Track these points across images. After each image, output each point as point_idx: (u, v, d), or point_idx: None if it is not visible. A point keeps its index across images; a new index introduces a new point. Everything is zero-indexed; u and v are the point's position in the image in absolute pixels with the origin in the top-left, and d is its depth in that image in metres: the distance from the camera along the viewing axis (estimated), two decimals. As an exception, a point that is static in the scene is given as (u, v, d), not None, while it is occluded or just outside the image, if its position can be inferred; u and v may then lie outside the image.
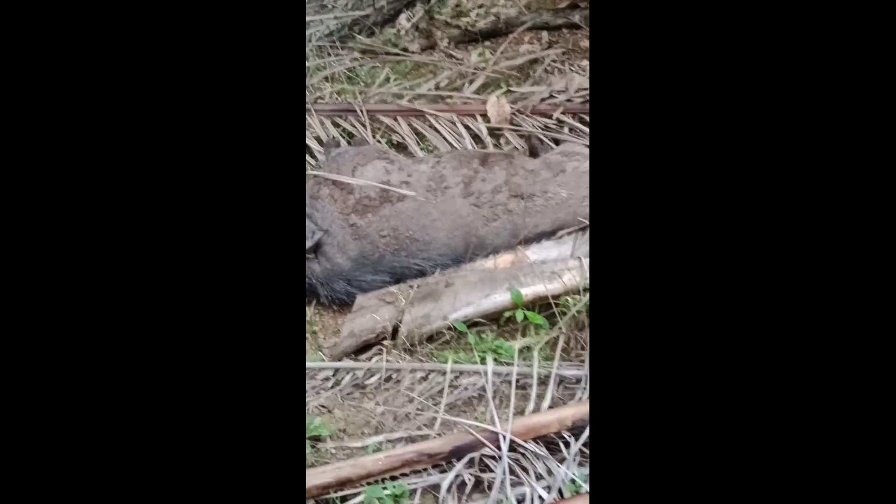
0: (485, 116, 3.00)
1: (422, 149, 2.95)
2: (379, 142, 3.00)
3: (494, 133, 2.96)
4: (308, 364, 2.11)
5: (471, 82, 3.21)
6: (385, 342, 2.17)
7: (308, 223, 2.32)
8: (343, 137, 3.00)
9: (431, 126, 3.03)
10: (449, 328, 2.16)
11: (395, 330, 2.16)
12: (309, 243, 2.27)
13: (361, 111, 3.05)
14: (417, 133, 3.01)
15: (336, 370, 2.12)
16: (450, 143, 2.95)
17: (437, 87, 3.22)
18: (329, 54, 3.44)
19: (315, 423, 1.96)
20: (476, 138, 2.97)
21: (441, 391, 2.03)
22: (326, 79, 3.28)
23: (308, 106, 3.09)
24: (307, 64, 3.32)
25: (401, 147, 2.99)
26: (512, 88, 3.18)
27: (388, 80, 3.31)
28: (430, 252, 2.30)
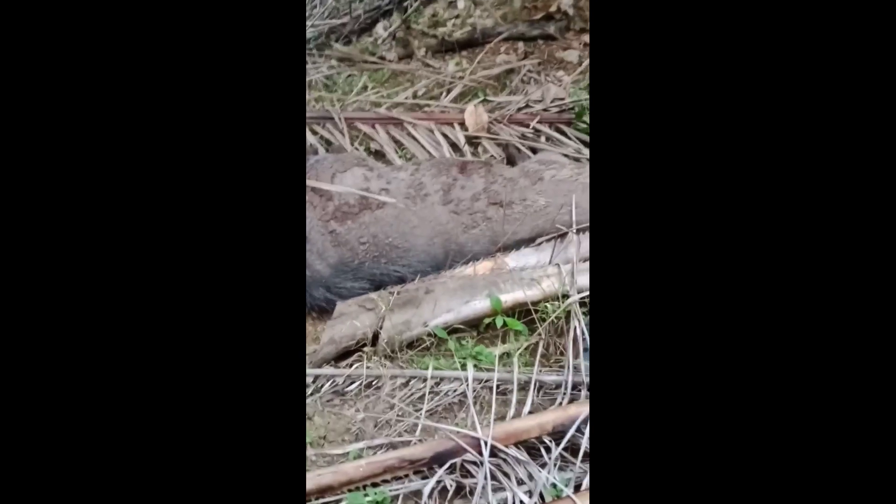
0: (463, 125, 3.03)
1: (400, 157, 2.96)
2: (357, 149, 3.01)
3: (472, 141, 2.99)
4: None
5: (448, 91, 3.24)
6: (365, 349, 2.16)
7: (287, 230, 2.31)
8: (321, 145, 3.01)
9: (409, 134, 3.05)
10: (429, 335, 2.16)
11: (376, 336, 2.16)
12: (288, 250, 2.26)
13: (339, 119, 3.06)
14: (396, 141, 3.03)
15: (316, 377, 2.11)
16: (428, 151, 2.97)
17: (415, 96, 3.24)
18: (306, 62, 3.44)
19: (295, 430, 1.95)
20: (454, 146, 2.99)
21: (422, 397, 2.04)
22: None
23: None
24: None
25: (379, 155, 3.00)
26: (489, 98, 3.21)
27: (365, 88, 3.32)
28: (409, 259, 2.31)
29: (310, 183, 2.40)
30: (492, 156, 2.92)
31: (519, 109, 3.11)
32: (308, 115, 3.11)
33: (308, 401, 2.06)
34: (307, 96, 3.22)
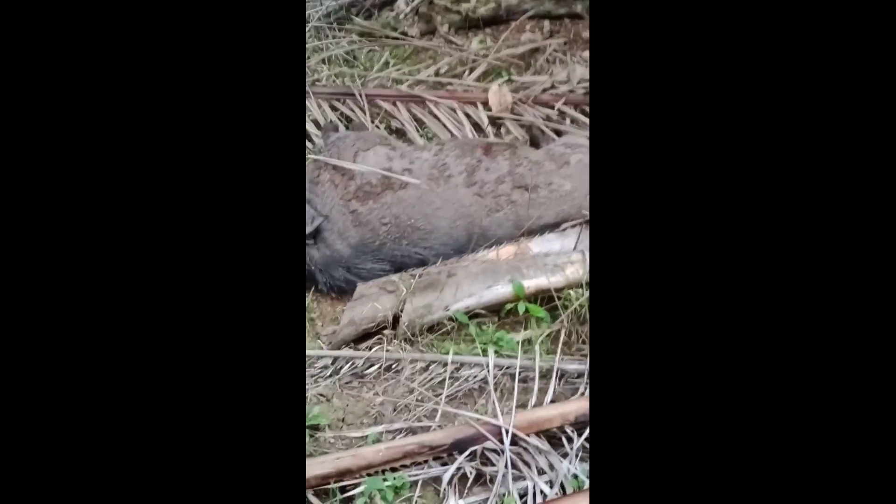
0: (486, 105, 2.97)
1: (421, 136, 2.91)
2: (378, 127, 2.96)
3: (495, 122, 2.93)
4: (307, 352, 2.08)
5: (472, 70, 3.18)
6: (385, 331, 2.14)
7: (308, 208, 2.28)
8: (341, 122, 2.96)
9: (431, 113, 2.99)
10: (450, 319, 2.13)
11: (396, 319, 2.13)
12: (309, 229, 2.23)
13: (360, 95, 3.01)
14: (417, 119, 2.98)
15: (335, 359, 2.09)
16: (450, 131, 2.92)
17: (438, 74, 3.18)
18: (327, 36, 3.38)
19: (314, 412, 1.93)
20: (476, 127, 2.94)
21: (442, 382, 2.01)
22: (324, 61, 3.23)
23: (305, 89, 3.03)
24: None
25: (399, 133, 2.95)
26: (513, 77, 3.15)
27: (387, 64, 3.26)
28: (431, 241, 2.27)
29: (331, 161, 2.36)
30: (515, 137, 2.86)
31: (544, 90, 3.05)
32: (328, 90, 3.06)
33: (327, 382, 2.04)
34: (327, 71, 3.16)
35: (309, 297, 2.30)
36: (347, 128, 2.89)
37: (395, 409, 1.98)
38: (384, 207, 2.28)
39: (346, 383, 2.05)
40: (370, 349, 2.13)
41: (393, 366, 2.07)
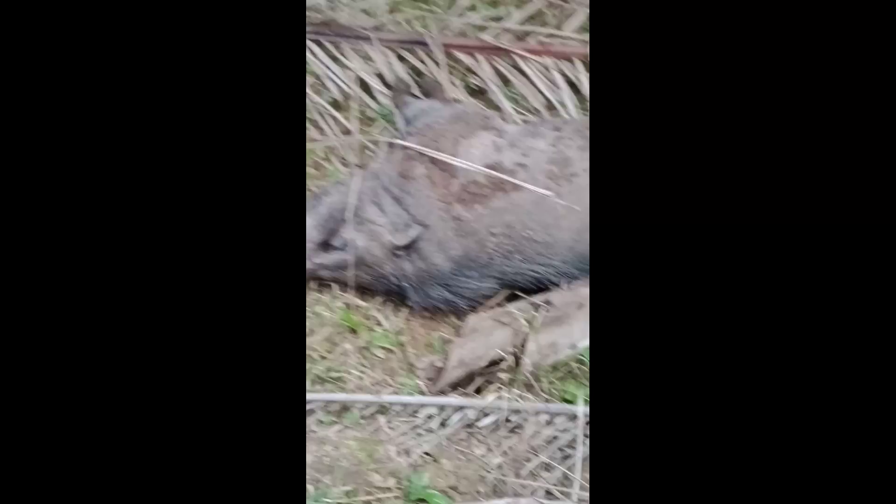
0: (586, 63, 2.49)
1: (508, 98, 2.44)
2: (454, 85, 2.49)
3: (600, 86, 2.46)
4: (405, 399, 1.72)
5: (568, 17, 2.66)
6: (500, 373, 1.76)
7: (400, 211, 1.85)
8: (411, 77, 2.48)
9: (518, 69, 2.52)
10: (577, 360, 1.76)
11: (516, 360, 1.76)
12: (404, 241, 1.81)
13: (434, 45, 2.51)
14: (501, 76, 2.50)
15: (442, 407, 1.73)
16: (542, 93, 2.45)
17: (527, 21, 2.66)
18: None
19: (422, 480, 1.59)
20: (574, 88, 2.47)
21: (573, 441, 1.67)
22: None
23: (369, 34, 2.54)
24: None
25: (480, 94, 2.48)
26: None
27: (466, 8, 2.72)
28: (551, 258, 1.86)
29: (428, 152, 1.90)
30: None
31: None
32: (395, 37, 2.56)
33: (432, 437, 1.69)
34: (394, 14, 2.64)
35: (400, 318, 1.91)
36: (419, 85, 2.41)
37: (517, 475, 1.64)
38: (494, 214, 1.85)
39: (457, 439, 1.70)
40: (480, 393, 1.77)
41: (512, 418, 1.72)
